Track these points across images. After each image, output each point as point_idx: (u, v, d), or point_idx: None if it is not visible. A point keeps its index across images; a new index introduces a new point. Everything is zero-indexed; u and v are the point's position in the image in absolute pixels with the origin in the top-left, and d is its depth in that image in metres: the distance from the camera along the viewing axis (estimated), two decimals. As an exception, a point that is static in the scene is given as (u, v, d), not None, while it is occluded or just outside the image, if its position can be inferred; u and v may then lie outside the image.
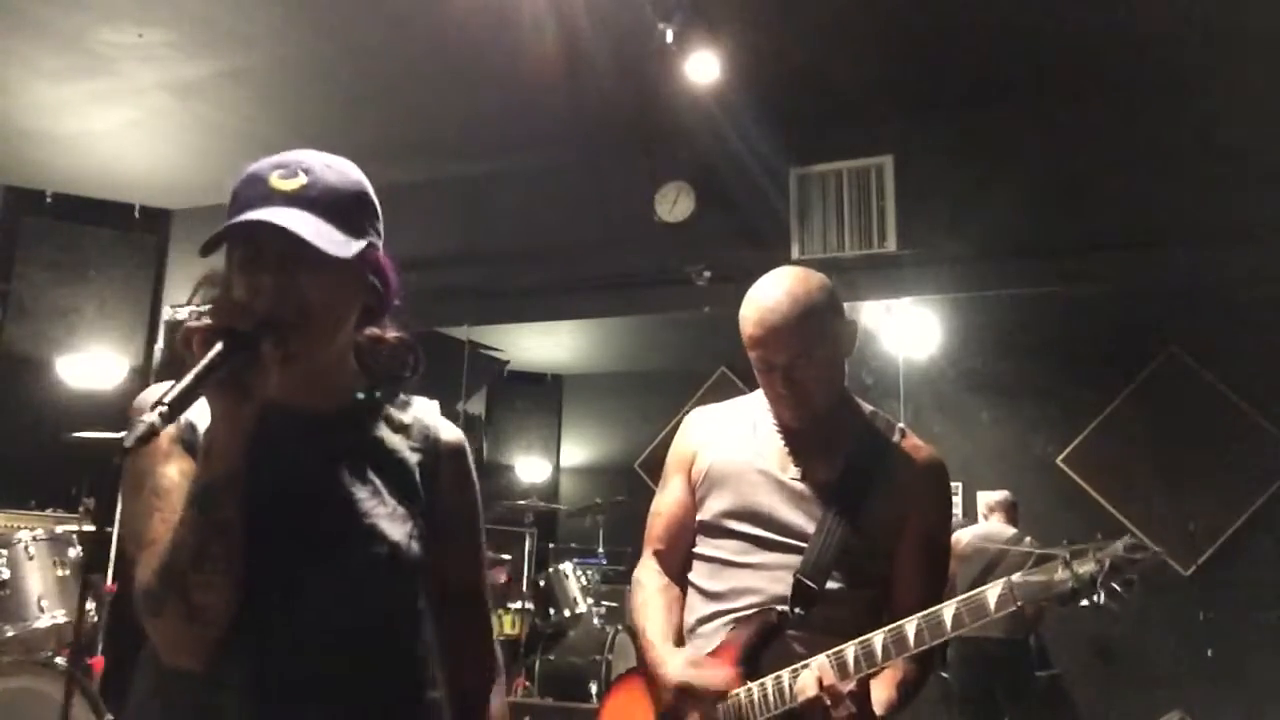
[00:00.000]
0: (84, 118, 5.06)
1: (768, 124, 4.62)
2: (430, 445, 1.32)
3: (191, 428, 1.19)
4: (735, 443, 1.84)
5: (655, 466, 1.99)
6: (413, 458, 1.29)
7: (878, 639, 1.55)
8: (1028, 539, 5.01)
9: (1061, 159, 4.46)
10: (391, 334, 1.37)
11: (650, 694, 1.74)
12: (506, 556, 6.33)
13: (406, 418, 1.33)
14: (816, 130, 4.78)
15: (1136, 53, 4.15)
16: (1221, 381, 5.87)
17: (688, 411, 1.99)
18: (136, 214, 6.08)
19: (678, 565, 1.88)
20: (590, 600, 5.33)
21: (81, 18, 4.12)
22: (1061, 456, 6.24)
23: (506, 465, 7.77)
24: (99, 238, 5.95)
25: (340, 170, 1.24)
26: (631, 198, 5.12)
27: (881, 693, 1.65)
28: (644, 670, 1.79)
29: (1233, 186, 4.15)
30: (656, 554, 1.90)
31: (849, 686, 1.55)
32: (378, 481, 1.23)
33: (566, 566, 5.46)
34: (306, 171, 1.19)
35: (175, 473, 1.15)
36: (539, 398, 8.02)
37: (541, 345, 7.28)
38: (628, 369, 7.83)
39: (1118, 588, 1.43)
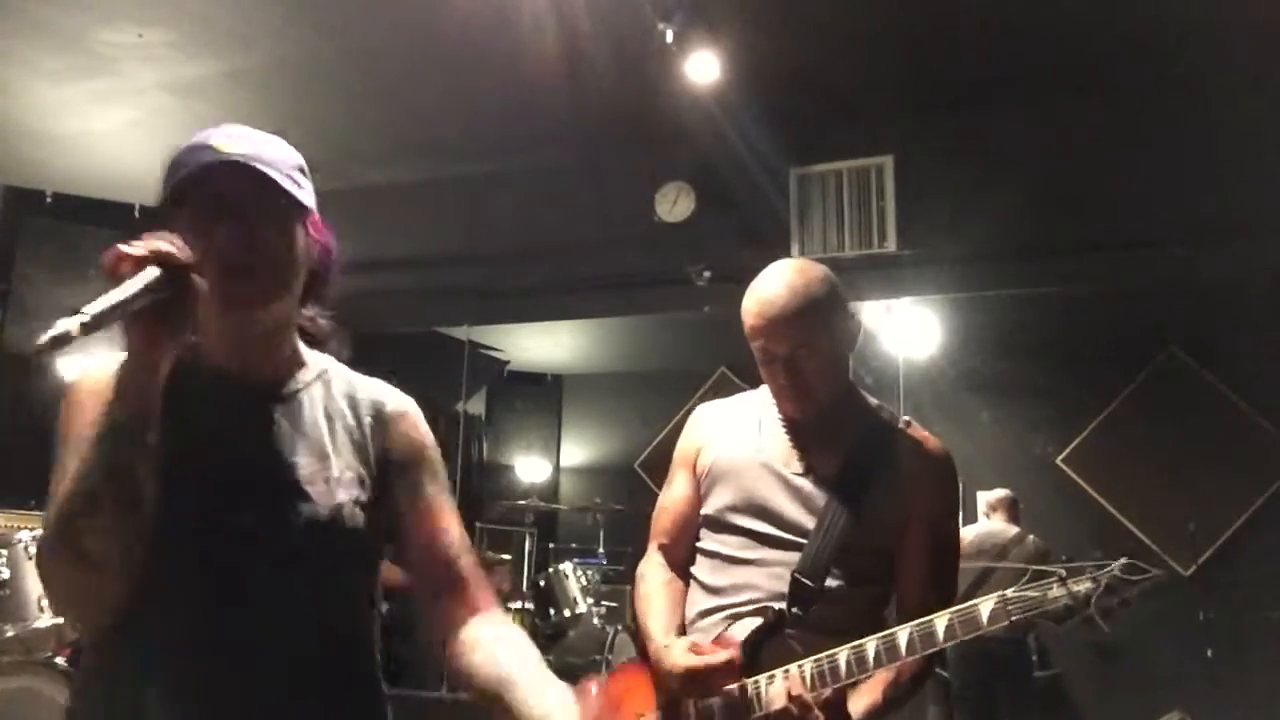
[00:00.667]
0: (84, 118, 5.06)
1: (768, 124, 4.62)
2: (377, 411, 1.29)
3: None
4: (740, 437, 1.84)
5: (655, 466, 2.00)
6: (360, 424, 1.26)
7: (870, 645, 1.54)
8: (1030, 538, 5.01)
9: (1061, 159, 4.46)
10: (326, 321, 1.34)
11: (652, 684, 1.74)
12: (506, 557, 6.34)
13: (352, 389, 1.30)
14: (816, 130, 4.78)
15: (1136, 53, 4.15)
16: (1221, 381, 5.87)
17: (687, 411, 1.99)
18: (136, 214, 6.08)
19: (682, 560, 1.88)
20: (590, 600, 5.32)
21: (81, 18, 4.12)
22: (1061, 456, 6.24)
23: (506, 465, 7.76)
24: (99, 238, 5.94)
25: (276, 144, 1.22)
26: (631, 198, 5.12)
27: (864, 698, 1.64)
28: (644, 661, 1.79)
29: (1232, 186, 4.15)
30: (661, 548, 1.91)
31: (824, 696, 1.54)
32: (326, 447, 1.20)
33: (566, 566, 5.45)
34: (249, 141, 1.18)
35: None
36: (539, 398, 8.02)
37: (541, 345, 7.28)
38: (628, 369, 7.83)
39: (1114, 607, 1.43)
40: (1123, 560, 1.46)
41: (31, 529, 3.62)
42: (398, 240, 5.58)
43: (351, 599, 1.23)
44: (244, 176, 1.12)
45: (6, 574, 3.40)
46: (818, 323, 1.72)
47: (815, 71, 4.37)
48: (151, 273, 0.99)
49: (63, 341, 0.89)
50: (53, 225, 5.86)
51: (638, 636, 1.84)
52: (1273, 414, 5.71)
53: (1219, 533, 5.73)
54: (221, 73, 4.56)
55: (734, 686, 1.63)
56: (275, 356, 1.23)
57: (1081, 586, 1.43)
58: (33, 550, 3.49)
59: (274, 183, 1.14)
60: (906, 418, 1.82)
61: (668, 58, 4.03)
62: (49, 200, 5.89)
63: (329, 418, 1.24)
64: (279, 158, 1.19)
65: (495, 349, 7.00)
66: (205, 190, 1.13)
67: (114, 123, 5.10)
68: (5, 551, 3.43)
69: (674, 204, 5.02)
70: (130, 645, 1.07)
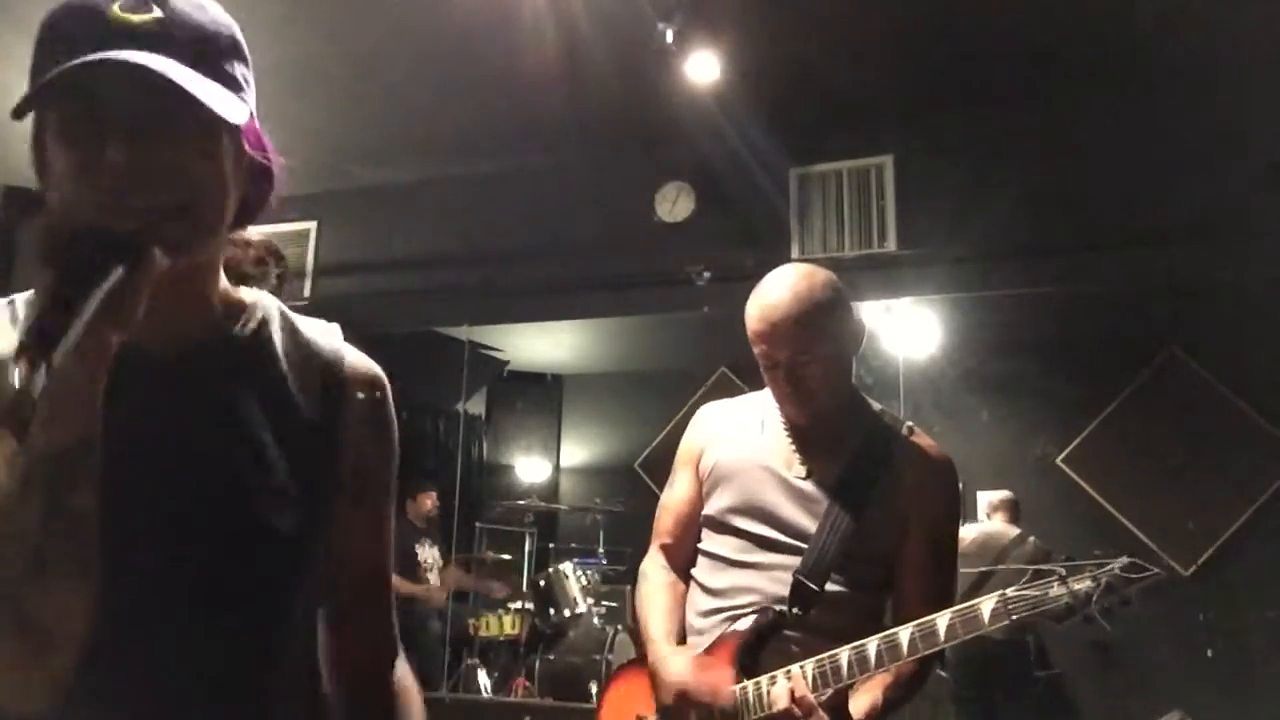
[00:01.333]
0: (84, 118, 5.06)
1: (768, 124, 4.62)
2: (331, 381, 0.97)
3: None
4: (743, 439, 1.84)
5: (655, 466, 2.00)
6: (308, 393, 0.95)
7: (871, 646, 1.55)
8: (1030, 539, 5.01)
9: (1061, 159, 4.46)
10: (255, 236, 1.02)
11: (651, 688, 1.74)
12: (506, 557, 6.35)
13: (295, 346, 0.97)
14: (816, 130, 4.78)
15: (1136, 52, 4.15)
16: (1221, 381, 5.87)
17: (688, 412, 1.99)
18: (136, 214, 6.08)
19: (684, 560, 1.88)
20: (590, 600, 5.33)
21: (81, 18, 4.12)
22: (1061, 456, 6.24)
23: (506, 465, 7.76)
24: (99, 238, 5.94)
25: (200, 3, 0.87)
26: (631, 198, 5.12)
27: (865, 699, 1.64)
28: (644, 663, 1.79)
29: (1233, 186, 4.15)
30: (664, 548, 1.91)
31: (825, 696, 1.54)
32: (261, 436, 0.90)
33: (566, 566, 5.46)
34: (160, 4, 0.83)
35: None
36: (539, 398, 8.02)
37: (541, 345, 7.28)
38: (628, 369, 7.83)
39: (1114, 606, 1.43)
40: (1123, 559, 1.46)
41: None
42: (398, 240, 5.58)
43: (289, 611, 0.95)
44: (146, 85, 0.78)
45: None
46: (822, 329, 1.71)
47: (815, 71, 4.37)
48: (111, 271, 0.73)
49: (17, 409, 0.67)
50: (53, 225, 5.86)
51: (638, 637, 1.84)
52: (1273, 414, 5.71)
53: (1219, 533, 5.73)
54: (221, 73, 4.56)
55: (732, 690, 1.64)
56: (191, 312, 0.91)
57: (1082, 585, 1.43)
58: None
59: (193, 99, 0.79)
60: (910, 423, 1.82)
61: (668, 58, 4.03)
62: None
63: (266, 389, 0.93)
64: (198, 36, 0.84)
65: (495, 349, 7.00)
66: (86, 97, 0.80)
67: (114, 123, 5.10)
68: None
69: (674, 204, 5.02)
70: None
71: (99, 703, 0.80)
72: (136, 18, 0.81)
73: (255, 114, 0.91)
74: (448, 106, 4.88)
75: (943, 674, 4.98)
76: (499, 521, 6.76)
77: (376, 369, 1.03)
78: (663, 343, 7.03)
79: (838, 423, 1.78)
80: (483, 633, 5.73)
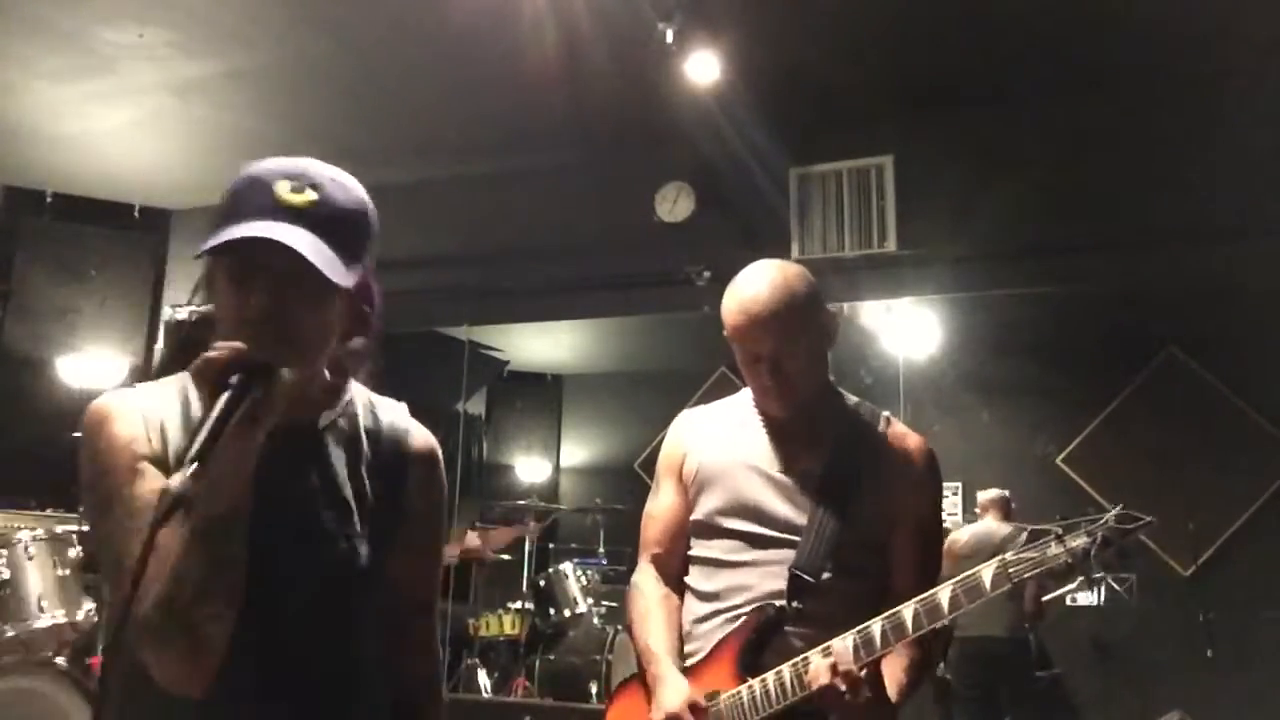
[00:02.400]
0: (84, 118, 5.06)
1: (768, 124, 4.62)
2: (399, 451, 1.29)
3: (163, 438, 1.16)
4: (723, 441, 1.84)
5: (655, 467, 1.99)
6: (380, 459, 1.27)
7: (876, 626, 1.55)
8: (1024, 535, 5.01)
9: (1061, 159, 4.46)
10: (359, 349, 1.31)
11: (649, 706, 1.74)
12: (506, 557, 6.33)
13: (375, 423, 1.29)
14: (816, 130, 4.78)
15: (1137, 53, 4.16)
16: (1221, 381, 5.87)
17: (675, 420, 1.98)
18: (136, 214, 6.08)
19: (675, 569, 1.87)
20: (590, 600, 5.33)
21: (81, 18, 4.12)
22: (1061, 456, 6.24)
23: (506, 465, 7.76)
24: (99, 238, 5.95)
25: (347, 187, 1.18)
26: (631, 198, 5.12)
27: (892, 677, 1.66)
28: (643, 679, 1.78)
29: (1232, 186, 4.15)
30: (654, 559, 1.89)
31: (863, 670, 1.55)
32: (346, 492, 1.22)
33: (566, 566, 5.46)
34: (316, 188, 1.13)
35: (147, 491, 1.10)
36: (539, 398, 8.02)
37: (541, 345, 7.28)
38: (628, 369, 7.83)
39: (1113, 560, 1.43)
40: (1115, 510, 1.47)
41: (32, 529, 3.61)
42: (398, 240, 5.54)
43: (366, 641, 1.26)
44: (286, 254, 1.08)
45: (7, 574, 3.40)
46: (799, 320, 1.73)
47: (815, 71, 4.37)
48: (235, 383, 1.01)
49: (180, 502, 0.94)
50: (53, 225, 5.87)
51: (637, 655, 1.82)
52: (1273, 414, 5.71)
53: (1219, 533, 5.73)
54: (221, 73, 4.57)
55: (738, 690, 1.65)
56: (300, 400, 1.20)
57: (1078, 541, 1.44)
58: (33, 550, 3.48)
59: (315, 269, 1.09)
60: (887, 413, 1.84)
61: (668, 58, 4.03)
62: (49, 200, 5.89)
63: (351, 457, 1.25)
64: (339, 217, 1.15)
65: (495, 349, 7.00)
66: (243, 255, 1.11)
67: (114, 123, 5.10)
68: (5, 551, 3.43)
69: (674, 204, 5.02)
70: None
71: (239, 687, 1.10)
72: (298, 199, 1.12)
73: (372, 272, 1.23)
74: (448, 106, 4.89)
75: (944, 674, 4.98)
76: (499, 521, 6.76)
77: (433, 442, 1.35)
78: (663, 343, 7.03)
79: (816, 416, 1.79)
80: (482, 633, 5.73)
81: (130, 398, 1.19)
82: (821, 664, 1.57)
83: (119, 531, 1.09)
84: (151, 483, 1.10)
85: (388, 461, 1.27)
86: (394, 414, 1.33)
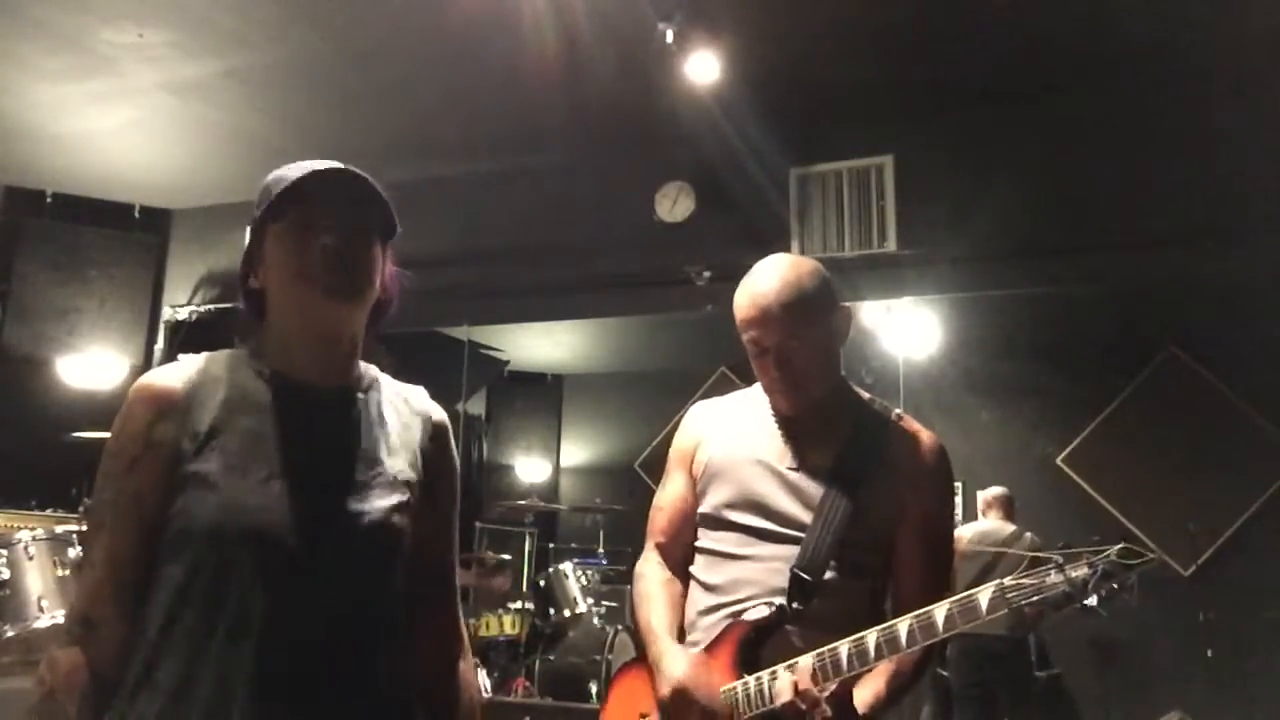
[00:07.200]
0: (84, 118, 5.06)
1: (768, 124, 4.62)
2: (425, 420, 1.40)
3: (189, 415, 1.22)
4: (735, 435, 1.84)
5: (655, 466, 2.00)
6: (410, 428, 1.37)
7: (870, 638, 1.54)
8: (1027, 535, 5.01)
9: (1061, 159, 4.46)
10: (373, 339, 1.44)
11: (651, 686, 1.75)
12: (507, 557, 6.33)
13: (402, 394, 1.42)
14: (816, 130, 4.78)
15: (1136, 53, 4.16)
16: (1221, 381, 5.87)
17: (688, 411, 1.99)
18: (136, 214, 6.08)
19: (680, 558, 1.88)
20: (590, 600, 5.32)
21: (82, 18, 4.12)
22: (1061, 456, 6.25)
23: (506, 465, 7.76)
24: (99, 238, 5.94)
25: (369, 177, 1.32)
26: (631, 198, 5.12)
27: (868, 690, 1.65)
28: (645, 661, 1.79)
29: (1231, 186, 4.15)
30: (659, 547, 1.91)
31: (829, 689, 1.54)
32: (381, 450, 1.31)
33: (566, 566, 5.45)
34: (347, 168, 1.28)
35: (134, 487, 1.19)
36: (539, 398, 8.02)
37: (541, 345, 7.28)
38: (628, 369, 7.83)
39: (1112, 593, 1.42)
40: (1119, 545, 1.46)
41: (32, 529, 3.61)
42: (397, 240, 5.57)
43: (394, 591, 1.31)
44: (350, 188, 1.25)
45: (6, 574, 3.39)
46: (809, 314, 1.72)
47: (815, 71, 4.37)
48: None
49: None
50: (53, 225, 5.86)
51: (637, 635, 1.84)
52: (1273, 414, 5.71)
53: (1219, 533, 5.73)
54: (221, 73, 4.57)
55: (727, 699, 1.64)
56: (347, 365, 1.34)
57: (1079, 572, 1.43)
58: (33, 550, 3.48)
59: (377, 195, 1.27)
60: (898, 410, 1.83)
61: (668, 58, 4.03)
62: (49, 200, 5.89)
63: (385, 420, 1.35)
64: (374, 187, 1.30)
65: (495, 349, 7.00)
66: (313, 199, 1.24)
67: (114, 123, 5.10)
68: (5, 551, 3.42)
69: (674, 204, 5.02)
70: (207, 613, 1.17)
71: (275, 640, 1.16)
72: (336, 165, 1.26)
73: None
74: (448, 106, 4.89)
75: (944, 673, 4.98)
76: (499, 521, 6.76)
77: (444, 415, 1.45)
78: (663, 343, 7.03)
79: (827, 413, 1.78)
80: (483, 633, 5.72)
81: (170, 375, 1.26)
82: (785, 679, 1.57)
83: (97, 518, 1.20)
84: (148, 478, 1.19)
85: (413, 431, 1.38)
86: (411, 390, 1.44)
